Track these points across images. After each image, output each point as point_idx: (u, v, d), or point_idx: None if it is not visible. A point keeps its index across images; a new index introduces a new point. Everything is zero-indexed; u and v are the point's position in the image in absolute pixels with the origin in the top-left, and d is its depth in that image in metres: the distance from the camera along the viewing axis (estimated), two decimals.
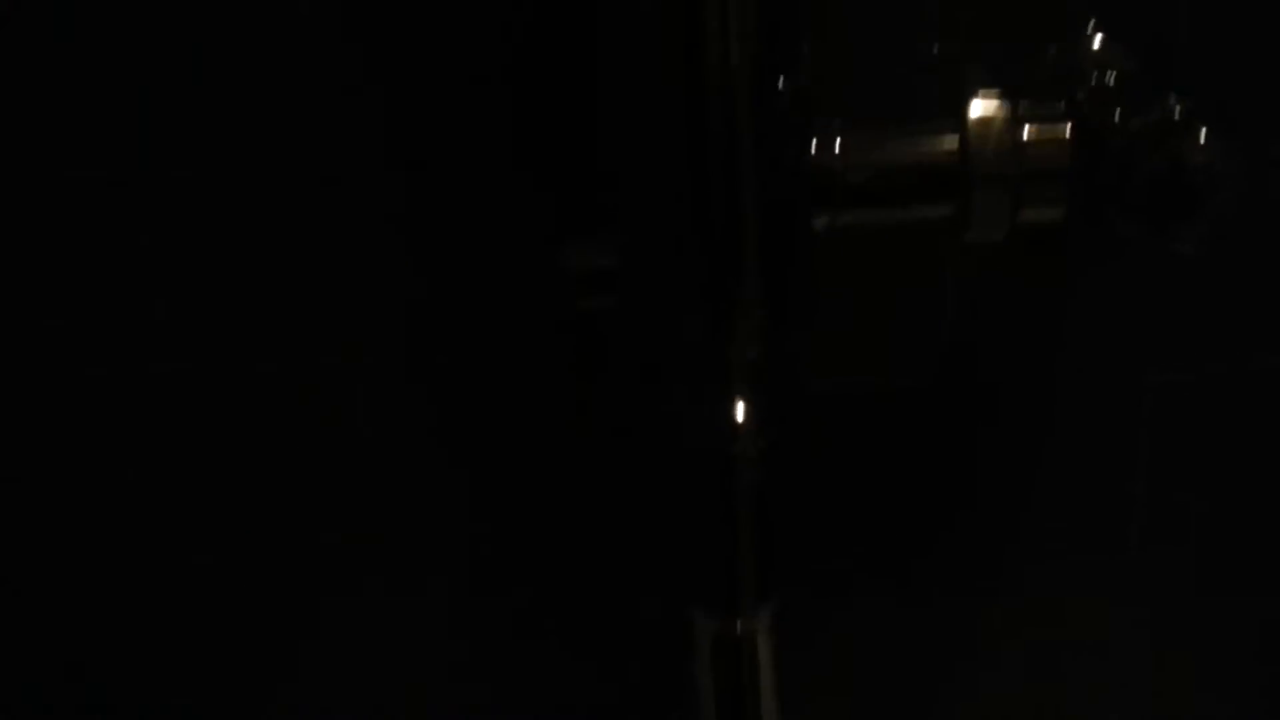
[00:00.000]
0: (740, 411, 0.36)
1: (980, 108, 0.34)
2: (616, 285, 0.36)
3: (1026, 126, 0.34)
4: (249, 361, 0.43)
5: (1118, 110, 0.34)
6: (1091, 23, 0.38)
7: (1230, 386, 0.44)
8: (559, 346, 0.42)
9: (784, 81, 0.34)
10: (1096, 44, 0.38)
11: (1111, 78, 0.36)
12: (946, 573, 0.46)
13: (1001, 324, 0.42)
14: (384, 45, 0.39)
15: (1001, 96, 0.34)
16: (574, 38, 0.39)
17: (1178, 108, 0.32)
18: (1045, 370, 0.43)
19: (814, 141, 0.35)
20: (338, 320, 0.42)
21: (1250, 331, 0.43)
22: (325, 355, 0.43)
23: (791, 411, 0.38)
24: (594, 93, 0.38)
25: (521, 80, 0.39)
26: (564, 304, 0.39)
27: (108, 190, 0.41)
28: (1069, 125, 0.34)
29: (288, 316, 0.42)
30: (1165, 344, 0.43)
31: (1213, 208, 0.32)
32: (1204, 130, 0.32)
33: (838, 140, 0.35)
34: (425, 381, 0.43)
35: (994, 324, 0.42)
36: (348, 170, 0.41)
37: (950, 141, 0.34)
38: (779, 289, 0.36)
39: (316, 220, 0.41)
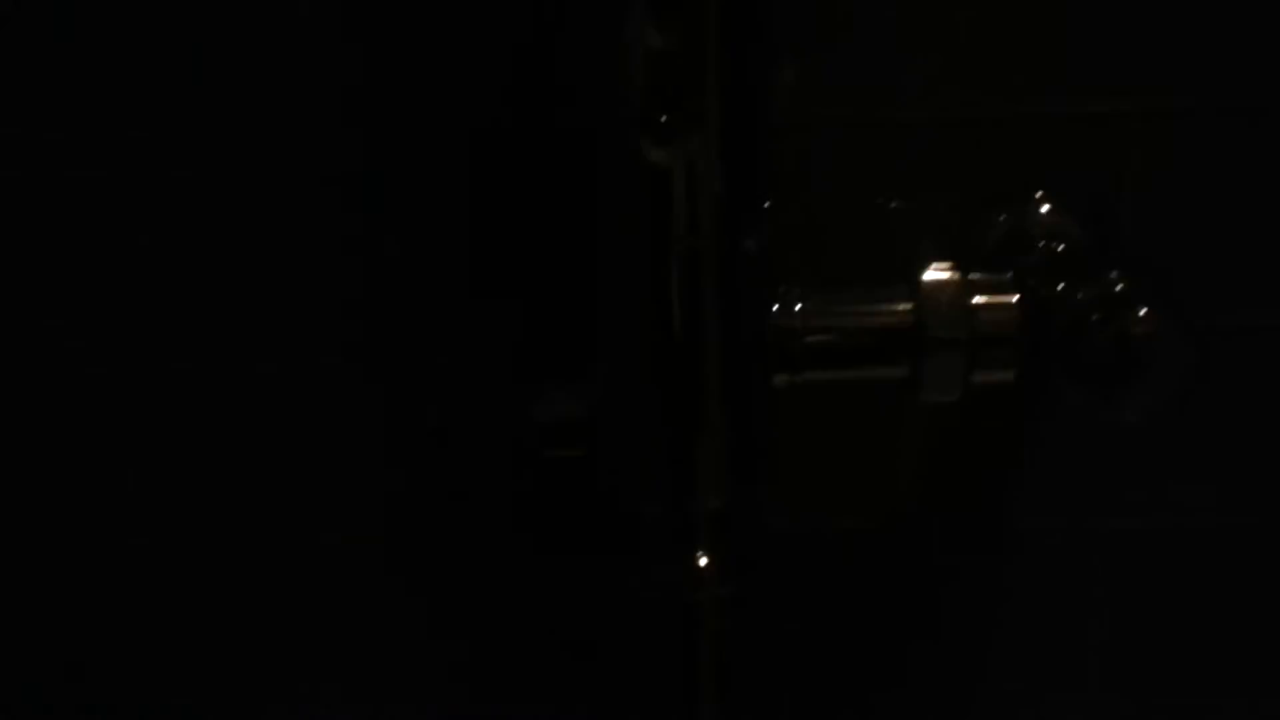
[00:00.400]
0: (703, 561, 0.37)
1: (933, 275, 0.36)
2: (583, 437, 0.37)
3: (977, 294, 0.36)
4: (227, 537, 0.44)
5: (1065, 281, 0.36)
6: (1039, 192, 0.40)
7: (1179, 537, 0.45)
8: (526, 488, 0.43)
9: (747, 246, 0.36)
10: (1044, 210, 0.40)
11: (1059, 246, 0.38)
12: (907, 713, 0.47)
13: (958, 472, 0.44)
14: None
15: (953, 265, 0.36)
16: (550, 198, 0.41)
17: (1121, 283, 0.34)
18: (1003, 516, 0.45)
19: (776, 304, 0.36)
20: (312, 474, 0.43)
21: (1199, 484, 0.45)
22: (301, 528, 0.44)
23: (754, 557, 0.39)
24: (569, 249, 0.40)
25: (492, 233, 0.41)
26: (533, 451, 0.40)
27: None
28: (1017, 294, 0.36)
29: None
30: (1117, 492, 0.45)
31: (1155, 381, 0.33)
32: (1147, 305, 0.33)
33: (798, 304, 0.37)
34: (396, 523, 0.44)
35: (951, 471, 0.44)
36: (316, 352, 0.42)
37: (905, 307, 0.36)
38: (742, 444, 0.37)
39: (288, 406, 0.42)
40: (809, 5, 0.40)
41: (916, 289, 0.36)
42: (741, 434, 0.37)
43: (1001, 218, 0.40)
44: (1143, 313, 0.33)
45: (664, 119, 0.33)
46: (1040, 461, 0.44)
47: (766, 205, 0.37)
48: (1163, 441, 0.44)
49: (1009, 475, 0.44)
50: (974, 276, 0.36)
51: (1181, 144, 0.41)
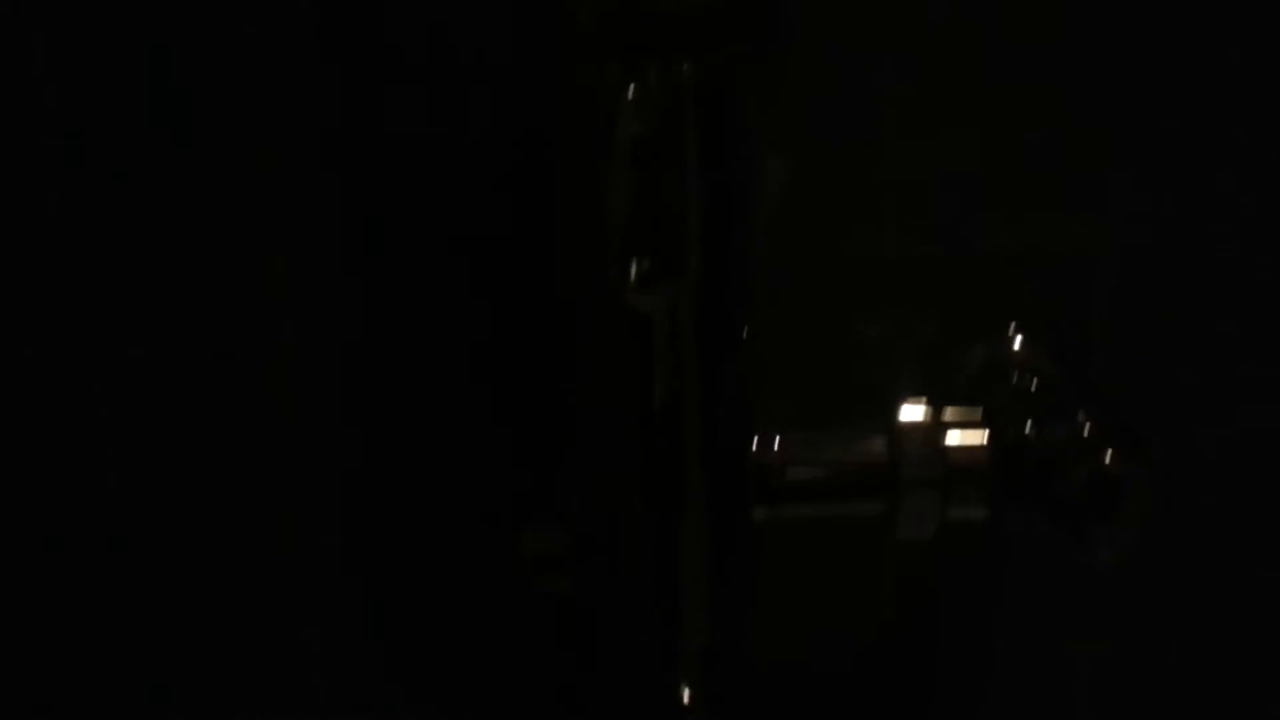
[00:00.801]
0: (686, 695, 0.37)
1: (907, 414, 0.37)
2: (568, 570, 0.38)
3: (950, 432, 0.37)
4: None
5: (1036, 420, 0.37)
6: (1012, 324, 0.42)
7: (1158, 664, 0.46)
8: (516, 616, 0.43)
9: (728, 384, 0.37)
10: (1018, 345, 0.41)
11: (1031, 381, 0.39)
12: None
13: (939, 599, 0.44)
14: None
15: (927, 401, 0.37)
16: (537, 338, 0.42)
17: (1089, 424, 0.35)
18: (984, 643, 0.45)
19: (755, 440, 0.37)
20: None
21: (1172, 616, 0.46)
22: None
23: (736, 689, 0.40)
24: (556, 388, 0.41)
25: (481, 369, 0.42)
26: (521, 583, 0.41)
27: None
28: (988, 432, 0.36)
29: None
30: (1095, 620, 0.46)
31: (1124, 521, 0.34)
32: (1115, 447, 0.34)
33: (776, 440, 0.37)
34: (383, 637, 0.44)
35: (932, 598, 0.44)
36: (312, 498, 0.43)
37: (879, 445, 0.37)
38: (723, 578, 0.38)
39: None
40: (788, 147, 0.42)
41: (892, 428, 0.37)
42: (723, 571, 0.38)
43: (976, 349, 0.42)
44: (1110, 455, 0.34)
45: (645, 268, 0.34)
46: (1015, 591, 0.45)
47: (745, 334, 0.38)
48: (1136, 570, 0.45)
49: (985, 607, 0.45)
50: (947, 415, 0.37)
51: (1145, 279, 0.43)
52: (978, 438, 0.37)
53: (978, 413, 0.37)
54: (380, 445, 0.43)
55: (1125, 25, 0.42)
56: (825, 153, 0.42)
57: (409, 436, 0.43)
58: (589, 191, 0.36)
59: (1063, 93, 0.42)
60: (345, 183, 0.41)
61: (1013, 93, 0.42)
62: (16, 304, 0.42)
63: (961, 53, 0.42)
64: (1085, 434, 0.35)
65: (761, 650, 0.40)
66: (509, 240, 0.42)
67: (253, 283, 0.42)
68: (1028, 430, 0.36)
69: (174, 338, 0.42)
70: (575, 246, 0.39)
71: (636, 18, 0.33)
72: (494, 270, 0.42)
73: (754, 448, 0.37)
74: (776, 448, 0.37)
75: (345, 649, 0.44)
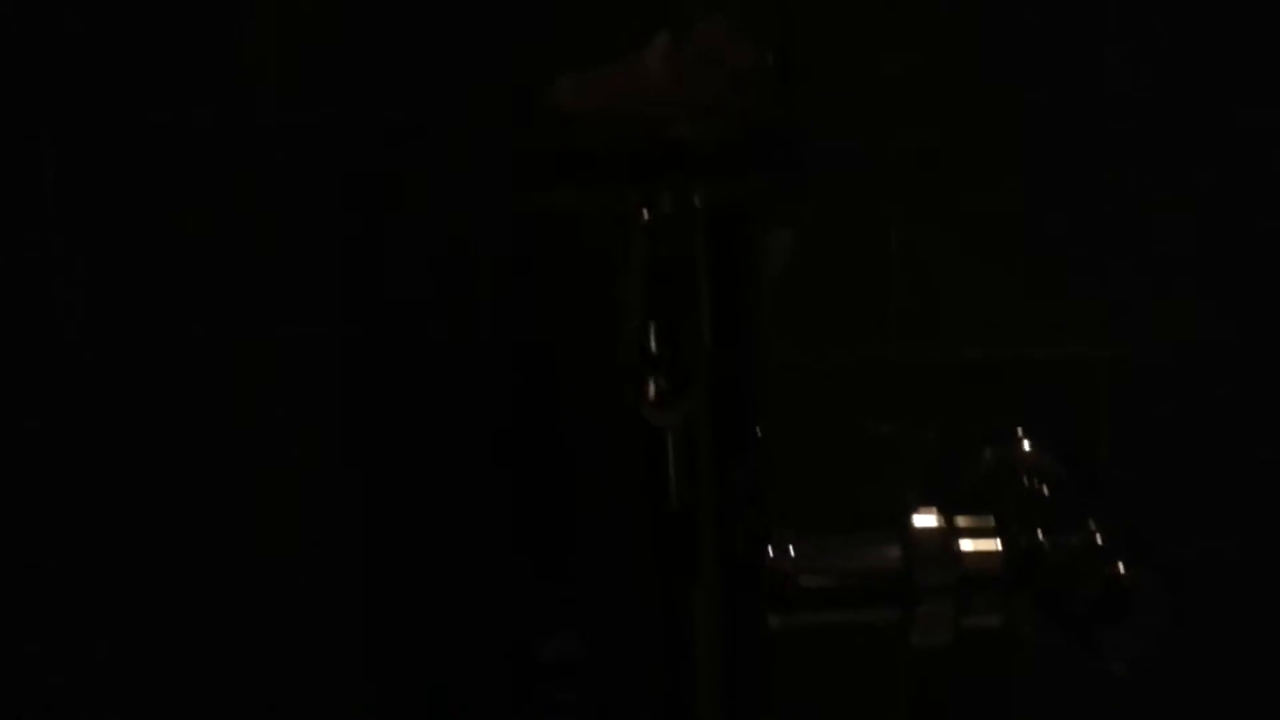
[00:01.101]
0: None
1: (921, 522, 0.38)
2: (581, 679, 0.38)
3: (963, 540, 0.37)
4: None
5: (1047, 527, 0.37)
6: (1019, 429, 0.42)
7: None
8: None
9: (740, 489, 0.38)
10: (1026, 447, 0.42)
11: (1041, 485, 0.40)
12: None
13: (952, 706, 0.45)
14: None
15: (939, 510, 0.38)
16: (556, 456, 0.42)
17: (1100, 533, 0.36)
18: None
19: (770, 548, 0.38)
20: None
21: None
22: None
23: None
24: (574, 502, 0.42)
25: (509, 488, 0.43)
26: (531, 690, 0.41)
27: None
28: (1001, 540, 0.37)
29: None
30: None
31: (1136, 630, 0.35)
32: (1126, 559, 0.35)
33: (791, 547, 0.38)
34: None
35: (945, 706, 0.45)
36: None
37: (893, 552, 0.37)
38: (738, 686, 0.38)
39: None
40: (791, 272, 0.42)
41: (905, 535, 0.37)
42: (738, 675, 0.38)
43: (985, 452, 0.42)
44: (1122, 565, 0.35)
45: (661, 386, 0.35)
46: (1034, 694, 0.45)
47: (757, 441, 0.38)
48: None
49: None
50: (960, 522, 0.38)
51: (1144, 387, 0.44)
52: (991, 545, 0.37)
53: (990, 520, 0.38)
54: (404, 558, 0.43)
55: (1132, 130, 0.43)
56: (833, 258, 0.43)
57: (433, 547, 0.43)
58: (606, 312, 0.37)
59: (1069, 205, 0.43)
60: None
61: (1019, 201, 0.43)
62: None
63: (967, 165, 0.43)
64: (1097, 543, 0.36)
65: None
66: (525, 361, 0.43)
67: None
68: (1039, 538, 0.37)
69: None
70: (590, 364, 0.40)
71: (652, 148, 0.34)
72: (512, 394, 0.43)
73: (769, 554, 0.38)
74: (791, 554, 0.38)
75: None
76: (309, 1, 0.42)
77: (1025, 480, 0.41)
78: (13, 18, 0.42)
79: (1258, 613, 0.45)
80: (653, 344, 0.35)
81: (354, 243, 0.43)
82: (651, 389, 0.34)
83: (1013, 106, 0.43)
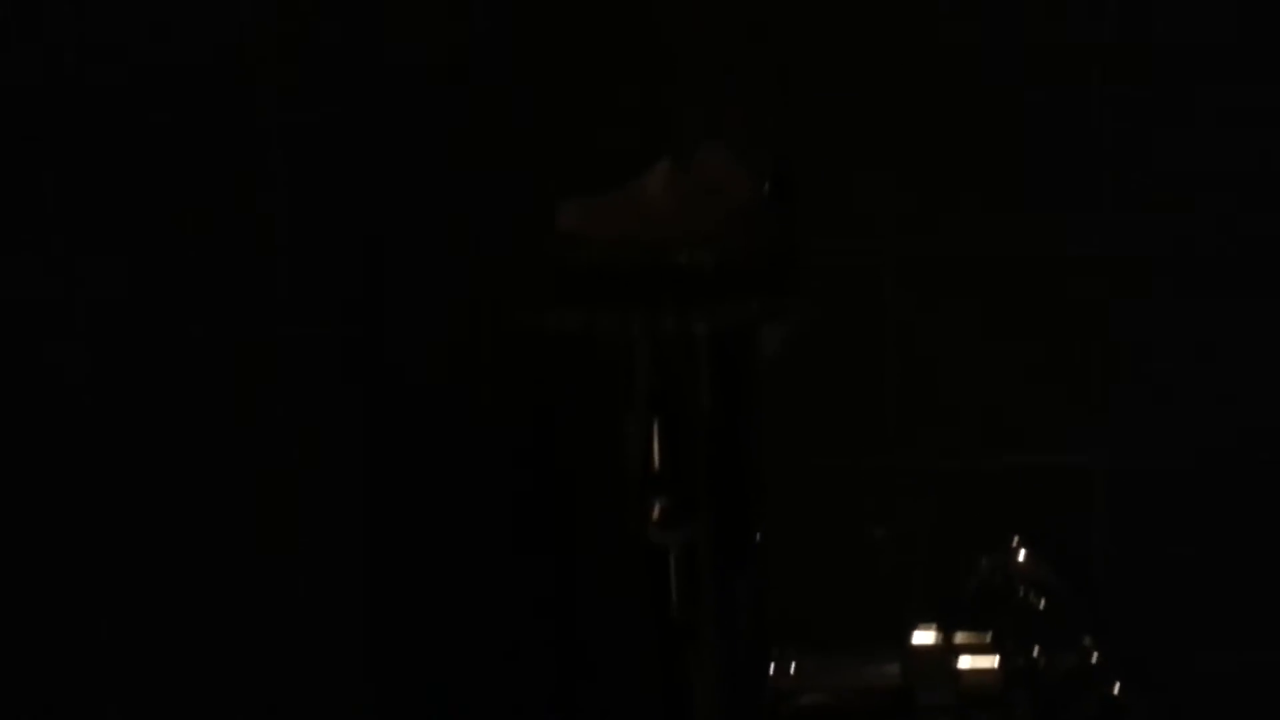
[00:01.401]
0: None
1: (919, 639, 0.38)
2: None
3: (961, 657, 0.38)
4: None
5: (1044, 644, 0.38)
6: (1015, 538, 0.43)
7: None
8: None
9: (741, 600, 0.38)
10: (1022, 558, 0.42)
11: (1037, 599, 0.40)
12: None
13: None
14: None
15: (938, 628, 0.38)
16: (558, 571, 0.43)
17: (1096, 653, 0.36)
18: None
19: (773, 665, 0.38)
20: None
21: None
22: None
23: None
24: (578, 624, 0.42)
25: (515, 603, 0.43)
26: None
27: None
28: (998, 656, 0.37)
29: None
30: None
31: None
32: (1122, 679, 0.35)
33: (792, 665, 0.38)
34: None
35: None
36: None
37: (892, 670, 0.38)
38: None
39: None
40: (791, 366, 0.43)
41: (905, 652, 0.38)
42: None
43: (982, 562, 0.43)
44: (1118, 686, 0.35)
45: (665, 508, 0.35)
46: None
47: (756, 555, 0.39)
48: None
49: None
50: (958, 638, 0.38)
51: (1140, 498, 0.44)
52: (989, 662, 0.38)
53: (987, 637, 0.38)
54: (430, 664, 0.44)
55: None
56: (831, 370, 0.44)
57: (458, 658, 0.44)
58: (607, 436, 0.37)
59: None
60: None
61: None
62: None
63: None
64: (1093, 661, 0.36)
65: None
66: (536, 484, 0.44)
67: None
68: (1036, 655, 0.38)
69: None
70: (595, 487, 0.41)
71: (652, 272, 0.34)
72: (517, 518, 0.44)
73: (771, 672, 0.38)
74: (792, 672, 0.38)
75: None
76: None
77: (1021, 592, 0.41)
78: (13, 18, 0.43)
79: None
80: (656, 466, 0.36)
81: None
82: (656, 510, 0.35)
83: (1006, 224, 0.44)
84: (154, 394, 0.44)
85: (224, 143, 0.43)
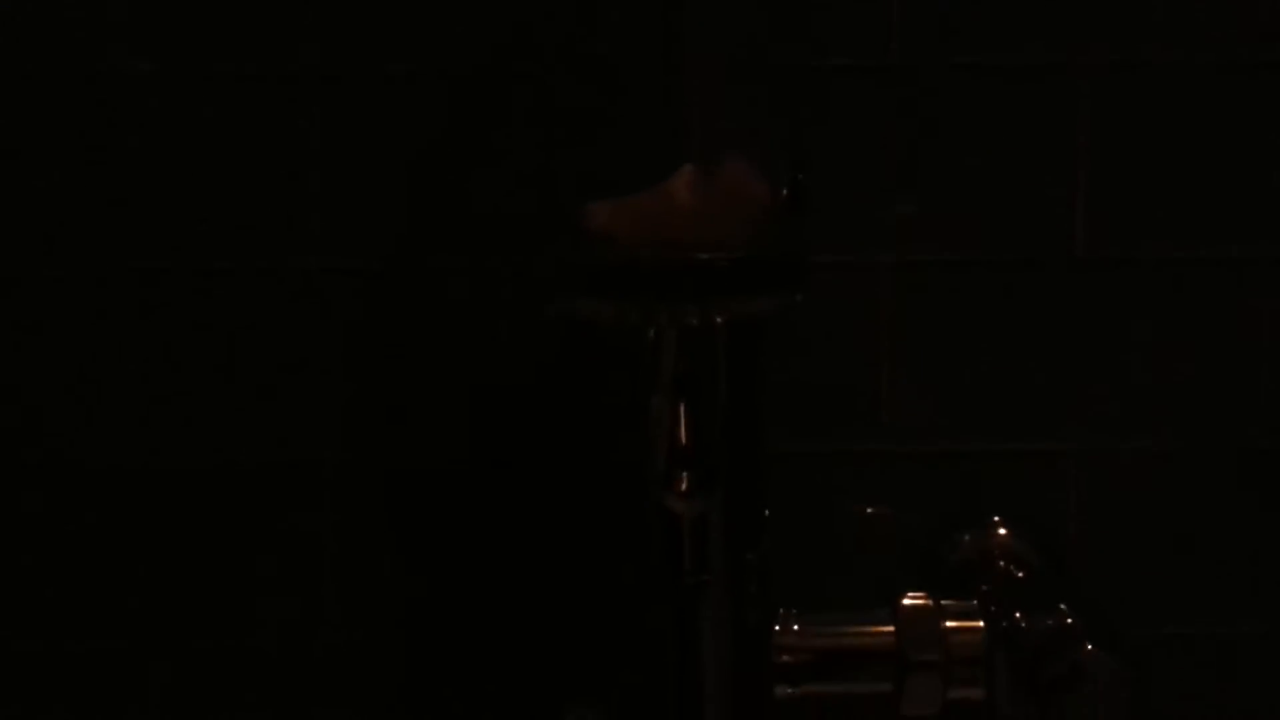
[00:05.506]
0: None
1: (911, 603, 0.42)
2: None
3: (948, 620, 0.42)
4: None
5: (1024, 610, 0.42)
6: (996, 517, 0.47)
7: None
8: None
9: (751, 571, 0.42)
10: (1001, 533, 0.47)
11: (1015, 569, 0.45)
12: None
13: None
14: None
15: (927, 595, 0.42)
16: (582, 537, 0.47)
17: (1070, 617, 0.40)
18: None
19: (776, 626, 0.42)
20: None
21: None
22: None
23: None
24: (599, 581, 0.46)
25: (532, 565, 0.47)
26: None
27: None
28: (983, 620, 0.41)
29: None
30: None
31: (1099, 703, 0.39)
32: (1093, 640, 0.39)
33: (795, 625, 0.42)
34: None
35: None
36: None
37: (887, 631, 0.42)
38: None
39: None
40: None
41: (897, 615, 0.42)
42: None
43: (965, 538, 0.47)
44: (1090, 647, 0.39)
45: (687, 480, 0.39)
46: None
47: (765, 527, 0.43)
48: None
49: None
50: (945, 603, 0.42)
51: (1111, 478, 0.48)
52: (974, 625, 0.42)
53: (973, 602, 0.42)
54: (436, 628, 0.48)
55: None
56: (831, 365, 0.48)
57: (465, 622, 0.48)
58: (634, 415, 0.41)
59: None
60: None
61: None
62: None
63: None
64: (1068, 625, 0.40)
65: None
66: (547, 451, 0.47)
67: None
68: (1017, 619, 0.41)
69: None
70: (619, 462, 0.44)
71: (676, 270, 0.38)
72: (534, 483, 0.47)
73: (775, 631, 0.42)
74: (796, 631, 0.42)
75: None
76: None
77: (1001, 564, 0.45)
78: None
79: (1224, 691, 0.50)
80: (678, 440, 0.39)
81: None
82: (683, 483, 0.39)
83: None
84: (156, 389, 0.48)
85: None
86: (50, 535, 0.48)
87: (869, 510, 0.48)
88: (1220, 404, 0.48)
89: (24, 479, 0.48)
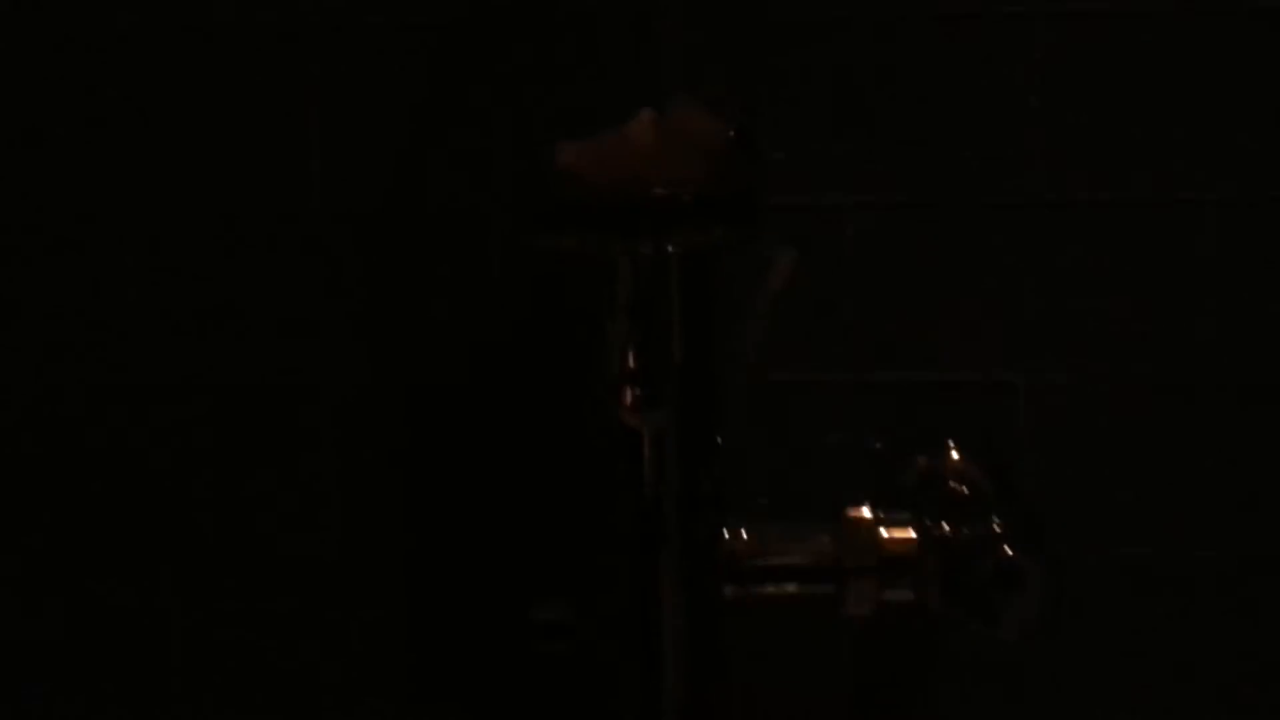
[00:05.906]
0: None
1: (850, 514, 0.46)
2: (570, 637, 0.46)
3: (884, 529, 0.45)
4: None
5: (959, 520, 0.45)
6: (950, 441, 0.50)
7: None
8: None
9: (704, 485, 0.45)
10: (955, 456, 0.50)
11: (962, 488, 0.48)
12: None
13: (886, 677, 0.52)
14: None
15: (870, 506, 0.45)
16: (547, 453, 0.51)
17: (998, 522, 0.43)
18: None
19: (725, 532, 0.46)
20: None
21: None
22: None
23: None
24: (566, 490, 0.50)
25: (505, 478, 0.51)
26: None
27: None
28: (914, 529, 0.45)
29: None
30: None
31: (1023, 606, 0.42)
32: (1017, 544, 0.42)
33: (743, 531, 0.46)
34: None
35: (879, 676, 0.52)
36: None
37: (827, 538, 0.45)
38: (699, 643, 0.46)
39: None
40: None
41: (838, 524, 0.45)
42: (699, 634, 0.46)
43: (919, 460, 0.50)
44: (1012, 549, 0.42)
45: (638, 395, 0.43)
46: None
47: (718, 445, 0.46)
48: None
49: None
50: (882, 515, 0.45)
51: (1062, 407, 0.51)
52: (908, 534, 0.45)
53: (908, 514, 0.45)
54: (425, 530, 0.52)
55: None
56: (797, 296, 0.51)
57: (451, 526, 0.52)
58: (594, 337, 0.45)
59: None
60: None
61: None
62: None
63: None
64: (995, 531, 0.43)
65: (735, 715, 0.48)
66: (527, 376, 0.52)
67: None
68: (949, 528, 0.45)
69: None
70: (581, 381, 0.48)
71: (635, 204, 0.42)
72: (514, 403, 0.52)
73: (725, 538, 0.45)
74: (744, 537, 0.46)
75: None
76: None
77: (951, 484, 0.48)
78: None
79: (1167, 609, 0.52)
80: (631, 360, 0.43)
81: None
82: (629, 396, 0.42)
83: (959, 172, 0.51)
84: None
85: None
86: (88, 450, 0.54)
87: (830, 438, 0.51)
88: (1168, 334, 0.51)
89: (62, 399, 0.53)
